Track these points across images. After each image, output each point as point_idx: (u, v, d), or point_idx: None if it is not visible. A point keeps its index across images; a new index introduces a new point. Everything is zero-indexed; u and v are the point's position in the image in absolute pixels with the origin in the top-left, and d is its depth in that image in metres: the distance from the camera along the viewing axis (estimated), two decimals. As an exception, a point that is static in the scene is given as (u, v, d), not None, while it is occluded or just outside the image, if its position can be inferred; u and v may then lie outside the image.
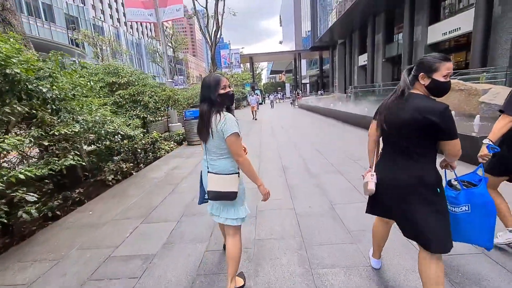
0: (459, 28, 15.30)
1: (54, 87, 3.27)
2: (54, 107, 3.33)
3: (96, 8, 74.29)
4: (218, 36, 16.87)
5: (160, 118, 11.09)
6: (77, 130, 3.39)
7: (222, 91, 1.68)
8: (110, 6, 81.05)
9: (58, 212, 3.73)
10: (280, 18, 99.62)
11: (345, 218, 2.83)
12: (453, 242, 1.46)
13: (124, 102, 6.77)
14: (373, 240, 1.95)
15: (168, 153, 7.12)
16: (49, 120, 3.38)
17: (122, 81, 7.31)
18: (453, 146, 1.39)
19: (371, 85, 23.44)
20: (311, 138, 7.95)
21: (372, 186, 1.60)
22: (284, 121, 13.77)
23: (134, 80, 7.70)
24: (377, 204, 1.69)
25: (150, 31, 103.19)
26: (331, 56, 40.65)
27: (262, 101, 34.03)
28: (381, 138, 1.68)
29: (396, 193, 1.52)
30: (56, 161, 3.16)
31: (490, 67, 11.76)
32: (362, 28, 28.55)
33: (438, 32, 17.13)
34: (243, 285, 1.91)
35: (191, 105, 9.73)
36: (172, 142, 8.09)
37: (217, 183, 1.70)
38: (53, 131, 3.09)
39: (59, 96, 3.27)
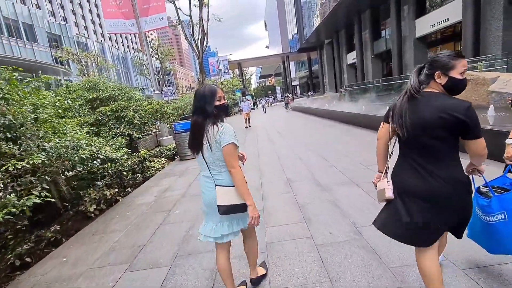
0: (447, 19, 15.18)
1: (7, 110, 2.66)
2: (10, 135, 2.72)
3: (79, 24, 73.46)
4: (204, 43, 16.38)
5: (149, 133, 10.48)
6: (40, 161, 2.78)
7: (217, 103, 1.62)
8: (93, 22, 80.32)
9: (28, 259, 3.10)
10: (265, 23, 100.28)
11: (377, 246, 2.28)
12: None
13: (106, 120, 6.15)
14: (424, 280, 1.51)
15: (159, 171, 6.51)
16: (7, 151, 2.77)
17: (103, 96, 6.72)
18: (479, 145, 1.32)
19: (364, 83, 23.18)
20: (312, 142, 7.45)
21: (390, 194, 1.47)
22: (280, 126, 13.27)
23: (117, 94, 7.11)
24: (396, 215, 1.46)
25: (136, 44, 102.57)
26: (320, 56, 40.64)
27: (254, 106, 33.60)
28: (391, 141, 1.58)
29: (431, 200, 1.37)
30: (16, 202, 2.55)
31: (487, 55, 11.55)
32: (348, 26, 28.54)
33: (426, 25, 17.01)
34: (265, 274, 2.04)
35: (181, 116, 9.14)
36: (163, 158, 7.47)
37: (227, 195, 1.61)
38: (6, 166, 2.48)
39: (14, 122, 2.67)
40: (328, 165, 5.02)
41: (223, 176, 1.64)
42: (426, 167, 1.37)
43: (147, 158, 6.07)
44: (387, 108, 1.56)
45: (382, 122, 1.57)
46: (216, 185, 1.64)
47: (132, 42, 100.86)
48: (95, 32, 79.45)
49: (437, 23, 15.97)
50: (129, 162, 5.43)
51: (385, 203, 1.55)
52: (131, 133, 5.94)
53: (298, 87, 63.98)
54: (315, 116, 14.73)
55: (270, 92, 66.55)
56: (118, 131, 5.85)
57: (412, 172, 1.41)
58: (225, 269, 1.76)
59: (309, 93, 43.51)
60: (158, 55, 56.04)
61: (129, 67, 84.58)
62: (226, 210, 1.62)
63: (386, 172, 1.59)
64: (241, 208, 1.63)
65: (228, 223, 1.70)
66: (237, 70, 50.36)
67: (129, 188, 5.21)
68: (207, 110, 1.58)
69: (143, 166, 5.87)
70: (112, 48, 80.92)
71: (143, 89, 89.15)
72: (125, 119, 6.02)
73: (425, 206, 1.37)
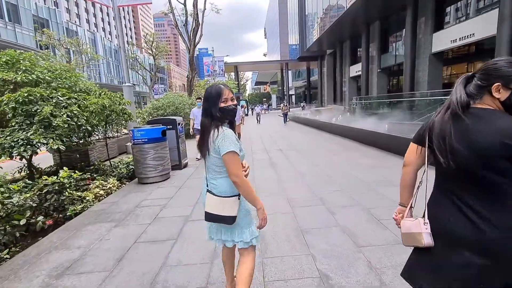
0: (473, 34, 13.53)
1: None
2: None
3: (71, 11, 70.11)
4: (198, 36, 14.08)
5: (115, 135, 8.02)
6: None
7: (222, 105, 1.54)
8: (87, 11, 77.01)
9: None
10: (265, 31, 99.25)
11: None
12: None
13: (10, 116, 3.73)
14: None
15: (95, 203, 4.10)
16: None
17: (23, 79, 4.31)
18: None
19: (380, 96, 21.03)
20: (337, 175, 5.21)
21: (429, 240, 1.08)
22: (282, 144, 11.02)
23: (50, 79, 4.72)
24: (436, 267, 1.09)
25: (131, 38, 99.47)
26: (320, 67, 39.13)
27: (247, 113, 31.30)
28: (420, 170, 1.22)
29: (483, 256, 0.97)
30: None
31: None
32: (353, 37, 27.13)
33: (445, 40, 15.39)
34: None
35: (148, 119, 6.76)
36: (113, 179, 5.04)
37: (215, 205, 1.56)
38: None
39: None
40: (382, 227, 2.77)
41: (218, 183, 1.58)
42: (478, 210, 0.99)
43: (71, 183, 3.64)
44: (423, 124, 1.16)
45: (411, 143, 1.22)
46: (207, 191, 1.60)
47: (127, 35, 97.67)
48: (88, 21, 76.12)
49: (460, 38, 14.32)
50: (28, 195, 3.02)
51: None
52: (45, 142, 3.50)
53: (293, 96, 62.46)
54: (322, 131, 12.61)
55: (265, 99, 64.79)
56: (22, 137, 3.43)
57: (457, 215, 1.04)
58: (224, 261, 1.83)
59: (301, 104, 41.66)
60: (152, 51, 53.56)
61: (121, 61, 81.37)
62: (211, 218, 1.59)
63: (411, 208, 1.26)
64: (225, 220, 1.56)
65: (217, 229, 1.69)
66: (232, 74, 48.24)
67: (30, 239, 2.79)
68: (212, 112, 1.53)
69: (60, 198, 3.45)
70: (105, 40, 77.71)
71: (134, 85, 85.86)
72: (40, 118, 3.59)
73: (474, 261, 0.98)
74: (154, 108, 12.66)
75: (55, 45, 33.15)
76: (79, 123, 4.08)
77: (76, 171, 4.05)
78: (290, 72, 55.92)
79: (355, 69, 27.68)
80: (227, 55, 33.95)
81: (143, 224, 3.27)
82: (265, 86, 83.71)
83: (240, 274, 1.61)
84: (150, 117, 12.04)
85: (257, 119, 21.93)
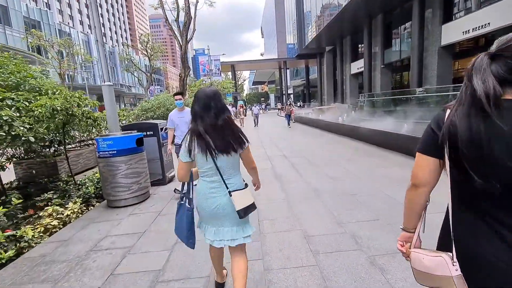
0: (488, 24, 12.48)
1: None
2: None
3: (63, 13, 68.72)
4: (189, 28, 12.89)
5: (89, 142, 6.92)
6: None
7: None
8: (80, 12, 75.60)
9: None
10: (261, 30, 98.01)
11: None
12: None
13: None
14: None
15: (49, 235, 2.98)
16: None
17: None
18: None
19: (392, 92, 19.20)
20: (347, 184, 4.11)
21: (462, 286, 0.82)
22: (281, 144, 9.92)
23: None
24: None
25: (126, 39, 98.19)
26: (319, 64, 38.05)
27: (245, 113, 30.14)
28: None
29: None
30: None
31: None
32: (354, 33, 26.12)
33: (456, 31, 14.34)
34: None
35: (123, 124, 5.63)
36: (74, 202, 3.89)
37: (245, 198, 1.65)
38: None
39: None
40: None
41: (234, 181, 1.66)
42: None
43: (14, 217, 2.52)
44: (430, 128, 0.89)
45: (420, 155, 0.92)
46: (230, 191, 1.62)
47: (122, 37, 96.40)
48: (81, 22, 74.80)
49: (474, 28, 13.26)
50: None
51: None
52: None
53: (292, 95, 61.40)
54: (328, 132, 11.51)
55: (263, 98, 63.68)
56: None
57: (503, 246, 0.77)
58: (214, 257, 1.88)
59: (297, 103, 40.53)
60: (147, 52, 52.31)
61: (116, 63, 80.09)
62: (246, 213, 1.65)
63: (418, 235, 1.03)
64: (254, 206, 1.69)
65: (216, 230, 1.70)
66: (229, 73, 47.09)
67: None
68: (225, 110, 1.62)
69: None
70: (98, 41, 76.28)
71: (130, 86, 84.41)
72: None
73: None
74: (143, 110, 11.52)
75: (45, 47, 31.78)
76: (13, 133, 2.94)
77: (14, 199, 2.93)
78: (288, 71, 54.86)
79: (357, 66, 26.68)
80: (223, 54, 32.72)
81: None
82: (262, 85, 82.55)
83: (240, 270, 1.67)
84: (138, 119, 10.91)
85: (254, 121, 18.58)
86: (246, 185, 1.70)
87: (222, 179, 1.60)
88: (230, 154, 1.56)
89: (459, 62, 16.37)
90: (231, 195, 1.60)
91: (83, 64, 45.42)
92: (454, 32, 14.50)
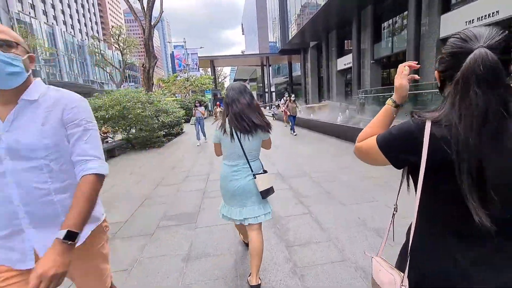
0: (497, 12, 11.16)
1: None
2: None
3: (23, 1, 62.10)
4: (153, 7, 10.41)
5: None
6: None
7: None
8: (43, 1, 68.82)
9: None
10: (242, 27, 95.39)
11: None
12: None
13: None
14: None
15: None
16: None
17: None
18: None
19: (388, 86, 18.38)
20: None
21: None
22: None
23: None
24: None
25: (98, 33, 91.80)
26: (303, 61, 36.48)
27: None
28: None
29: None
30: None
31: None
32: (341, 26, 24.61)
33: (457, 22, 13.00)
34: (260, 284, 1.94)
35: None
36: None
37: (267, 180, 1.88)
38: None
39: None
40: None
41: (256, 164, 1.92)
42: None
43: None
44: (401, 136, 0.80)
45: (377, 148, 0.85)
46: (254, 174, 1.86)
47: (92, 29, 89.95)
48: (45, 12, 68.29)
49: (479, 18, 11.96)
50: None
51: None
52: None
53: (274, 93, 59.78)
54: (330, 137, 9.59)
55: (245, 97, 61.31)
56: None
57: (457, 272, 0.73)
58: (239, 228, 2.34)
59: (276, 101, 38.26)
60: (119, 45, 48.14)
61: (86, 57, 74.27)
62: (267, 194, 1.91)
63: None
64: (272, 190, 1.96)
65: (252, 207, 1.94)
66: (209, 70, 44.40)
67: None
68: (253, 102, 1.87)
69: None
70: (66, 34, 70.26)
71: (102, 83, 78.66)
72: None
73: None
74: (93, 108, 8.97)
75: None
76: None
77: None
78: (270, 68, 53.05)
79: (343, 62, 25.21)
80: (201, 47, 30.13)
81: None
82: (244, 83, 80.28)
83: (258, 247, 1.90)
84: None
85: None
86: (265, 171, 1.94)
87: (247, 161, 1.86)
88: (263, 131, 1.84)
89: (456, 56, 15.20)
90: (255, 177, 1.85)
91: (44, 58, 40.73)
92: (455, 22, 13.16)
